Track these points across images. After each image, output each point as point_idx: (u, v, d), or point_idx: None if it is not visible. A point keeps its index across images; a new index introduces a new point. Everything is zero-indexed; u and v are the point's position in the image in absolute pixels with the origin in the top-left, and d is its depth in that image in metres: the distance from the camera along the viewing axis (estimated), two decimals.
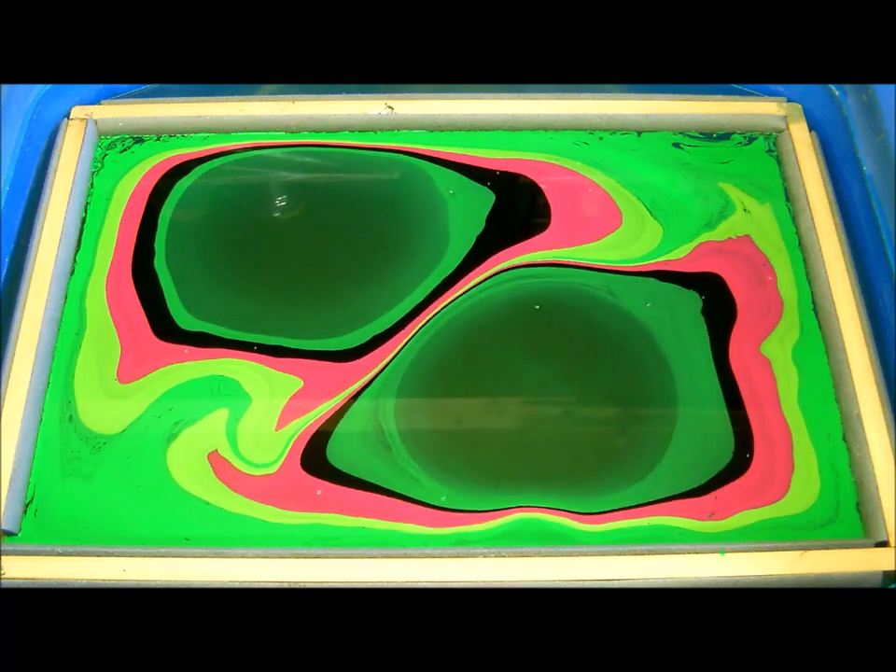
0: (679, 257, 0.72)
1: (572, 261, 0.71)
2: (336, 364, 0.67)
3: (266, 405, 0.66)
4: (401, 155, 0.77)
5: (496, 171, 0.76)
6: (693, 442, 0.64)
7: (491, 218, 0.74)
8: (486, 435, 0.65)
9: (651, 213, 0.74)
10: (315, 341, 0.68)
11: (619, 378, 0.67)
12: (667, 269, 0.71)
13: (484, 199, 0.74)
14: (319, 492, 0.62)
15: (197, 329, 0.69)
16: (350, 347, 0.68)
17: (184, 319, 0.69)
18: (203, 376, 0.67)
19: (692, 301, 0.70)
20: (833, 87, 0.76)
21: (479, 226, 0.73)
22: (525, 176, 0.76)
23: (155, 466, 0.63)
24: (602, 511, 0.62)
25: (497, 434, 0.65)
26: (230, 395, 0.66)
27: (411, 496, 0.62)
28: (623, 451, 0.64)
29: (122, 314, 0.69)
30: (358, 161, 0.77)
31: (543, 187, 0.75)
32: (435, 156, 0.77)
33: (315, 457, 0.64)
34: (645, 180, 0.75)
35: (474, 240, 0.72)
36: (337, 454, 0.64)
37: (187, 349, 0.68)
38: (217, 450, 0.64)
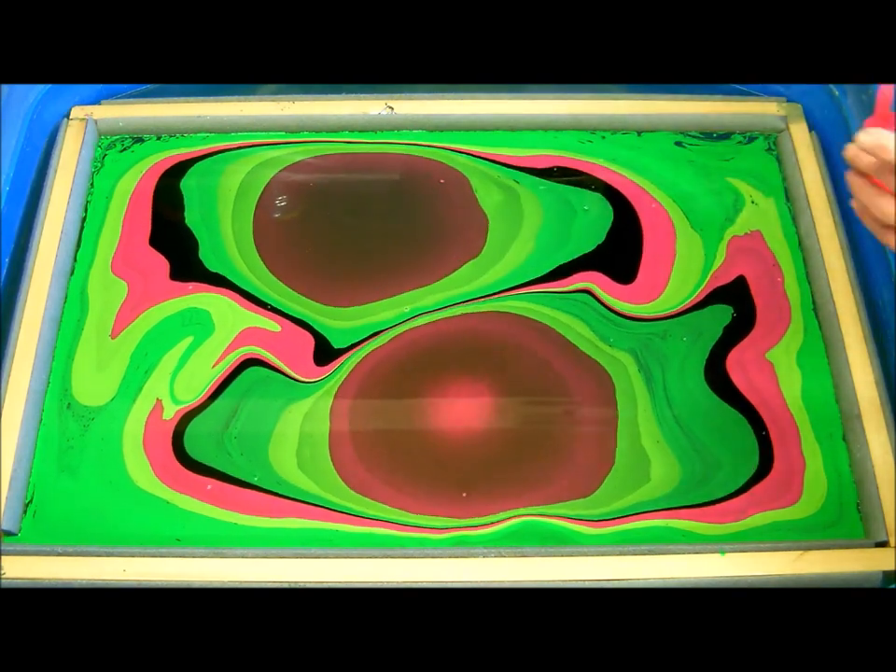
0: (719, 264, 0.71)
1: (647, 315, 0.70)
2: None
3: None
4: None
5: (553, 168, 0.76)
6: (706, 449, 0.64)
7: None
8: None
9: (687, 218, 0.73)
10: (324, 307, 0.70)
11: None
12: (716, 285, 0.70)
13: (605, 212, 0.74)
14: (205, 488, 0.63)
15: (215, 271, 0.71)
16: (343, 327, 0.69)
17: (211, 262, 0.71)
18: (177, 311, 0.69)
19: (723, 317, 0.69)
20: (832, 87, 0.76)
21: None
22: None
23: (114, 451, 0.64)
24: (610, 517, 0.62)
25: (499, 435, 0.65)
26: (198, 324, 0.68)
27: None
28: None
29: (138, 272, 0.71)
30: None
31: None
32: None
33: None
34: (664, 179, 0.75)
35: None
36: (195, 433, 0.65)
37: (191, 285, 0.69)
38: (158, 398, 0.65)
